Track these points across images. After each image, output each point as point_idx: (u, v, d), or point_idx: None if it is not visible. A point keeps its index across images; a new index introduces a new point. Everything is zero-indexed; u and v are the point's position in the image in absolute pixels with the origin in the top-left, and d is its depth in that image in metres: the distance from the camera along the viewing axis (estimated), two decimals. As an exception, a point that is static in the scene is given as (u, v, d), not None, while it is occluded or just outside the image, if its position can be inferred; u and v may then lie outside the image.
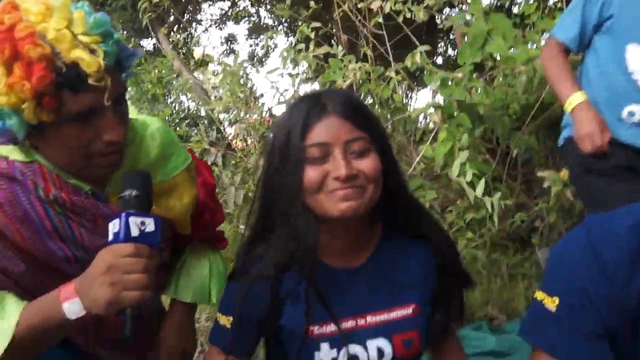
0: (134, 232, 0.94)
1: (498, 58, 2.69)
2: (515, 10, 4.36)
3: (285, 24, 10.56)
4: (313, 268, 1.06)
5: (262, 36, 11.21)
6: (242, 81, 3.76)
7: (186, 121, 6.28)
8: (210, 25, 10.82)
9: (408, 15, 2.69)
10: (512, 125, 2.72)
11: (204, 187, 1.35)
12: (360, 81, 2.88)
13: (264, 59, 11.82)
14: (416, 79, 4.35)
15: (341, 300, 1.07)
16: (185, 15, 9.10)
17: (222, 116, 4.65)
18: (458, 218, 2.82)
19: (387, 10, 2.76)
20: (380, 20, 3.10)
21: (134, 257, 0.92)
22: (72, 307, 0.95)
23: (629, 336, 0.89)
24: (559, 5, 2.68)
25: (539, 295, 0.95)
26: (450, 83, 2.52)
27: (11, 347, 0.96)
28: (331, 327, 1.08)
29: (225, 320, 1.11)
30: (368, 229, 1.14)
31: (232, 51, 11.01)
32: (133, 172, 1.02)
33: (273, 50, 11.87)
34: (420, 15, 2.66)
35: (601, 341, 0.89)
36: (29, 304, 1.00)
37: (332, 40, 3.53)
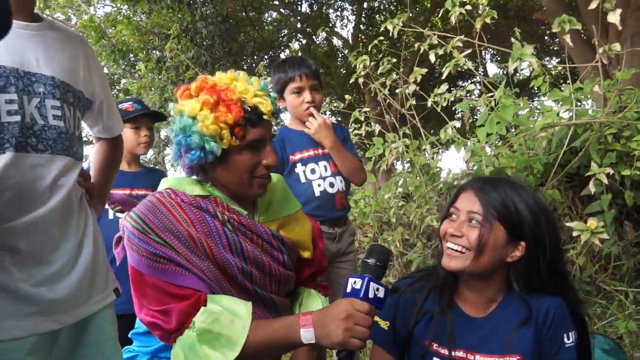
0: (371, 294, 1.04)
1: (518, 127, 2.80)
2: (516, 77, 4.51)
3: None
4: (450, 303, 1.25)
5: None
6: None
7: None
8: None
9: (444, 103, 2.89)
10: (537, 182, 2.79)
11: (317, 249, 1.48)
12: (402, 153, 3.06)
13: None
14: (444, 145, 4.53)
15: (461, 335, 1.19)
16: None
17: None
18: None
19: (430, 102, 2.96)
20: (414, 102, 3.31)
21: (366, 315, 1.04)
22: (308, 335, 1.06)
23: None
24: (554, 72, 2.79)
25: None
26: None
27: (245, 353, 1.08)
28: (446, 350, 1.22)
29: (384, 324, 1.30)
30: (495, 289, 1.25)
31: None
32: (379, 246, 1.15)
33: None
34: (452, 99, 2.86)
35: None
36: (264, 322, 1.14)
37: (369, 121, 3.76)
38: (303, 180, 2.15)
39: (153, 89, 8.04)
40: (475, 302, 1.26)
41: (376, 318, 1.27)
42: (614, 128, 2.54)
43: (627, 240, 2.79)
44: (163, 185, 1.31)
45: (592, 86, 2.73)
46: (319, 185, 2.14)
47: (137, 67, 8.83)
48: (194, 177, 1.29)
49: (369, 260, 1.08)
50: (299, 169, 2.16)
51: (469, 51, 2.75)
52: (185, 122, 1.17)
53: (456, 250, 1.19)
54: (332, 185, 2.17)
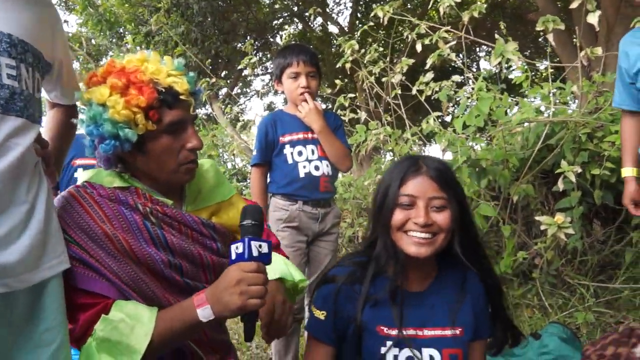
0: (255, 252, 1.05)
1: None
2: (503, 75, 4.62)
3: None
4: (395, 287, 1.24)
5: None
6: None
7: (236, 177, 6.70)
8: (253, 96, 11.44)
9: (428, 93, 2.96)
10: (512, 176, 2.90)
11: None
12: (383, 142, 3.15)
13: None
14: (428, 137, 4.62)
15: (408, 313, 1.21)
16: (235, 89, 9.76)
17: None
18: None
19: (414, 90, 3.03)
20: (399, 91, 3.38)
21: (256, 273, 1.04)
22: (205, 312, 1.05)
23: None
24: (544, 74, 2.90)
25: None
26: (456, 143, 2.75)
27: (150, 347, 1.06)
28: (396, 331, 1.23)
29: (320, 314, 1.27)
30: (432, 262, 1.30)
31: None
32: (251, 206, 1.15)
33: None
34: (436, 89, 2.94)
35: None
36: (164, 311, 1.11)
37: (357, 108, 3.84)
38: (290, 161, 2.26)
39: (141, 62, 7.97)
40: (416, 278, 1.29)
41: (312, 308, 1.29)
42: (588, 128, 2.65)
43: (594, 237, 2.92)
44: (81, 178, 1.25)
45: (571, 86, 2.84)
46: (304, 167, 2.25)
47: (125, 39, 8.75)
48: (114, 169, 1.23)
49: (245, 222, 1.10)
50: (287, 150, 2.26)
51: (453, 42, 2.83)
52: (94, 110, 1.12)
53: (427, 238, 1.19)
54: (317, 168, 2.26)
